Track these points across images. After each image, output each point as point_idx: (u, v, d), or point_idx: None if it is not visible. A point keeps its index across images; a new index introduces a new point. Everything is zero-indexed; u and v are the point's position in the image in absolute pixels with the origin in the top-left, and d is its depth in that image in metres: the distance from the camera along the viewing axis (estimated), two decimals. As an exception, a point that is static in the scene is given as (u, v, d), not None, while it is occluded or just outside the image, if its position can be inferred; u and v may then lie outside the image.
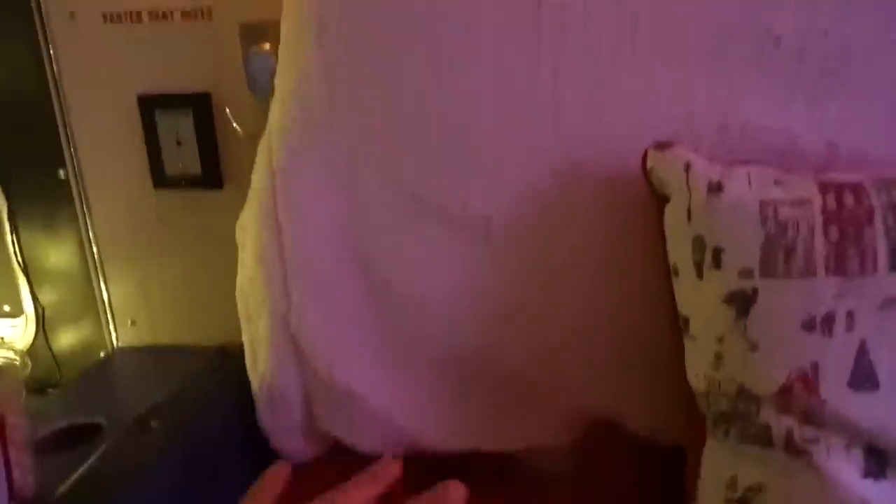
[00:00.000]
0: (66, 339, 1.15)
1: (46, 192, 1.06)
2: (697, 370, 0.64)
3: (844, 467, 0.57)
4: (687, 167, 0.65)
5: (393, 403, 0.81)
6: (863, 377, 0.57)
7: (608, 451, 0.79)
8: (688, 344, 0.66)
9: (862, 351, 0.57)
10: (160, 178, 1.01)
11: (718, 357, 0.62)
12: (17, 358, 1.14)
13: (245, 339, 0.84)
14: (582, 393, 0.79)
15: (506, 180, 0.74)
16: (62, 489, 0.70)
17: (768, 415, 0.60)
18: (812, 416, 0.58)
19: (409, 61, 0.73)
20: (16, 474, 0.65)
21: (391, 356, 0.81)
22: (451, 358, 0.80)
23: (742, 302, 0.60)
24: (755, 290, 0.60)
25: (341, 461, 0.83)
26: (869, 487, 0.56)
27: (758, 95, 0.69)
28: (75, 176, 1.05)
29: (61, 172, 1.04)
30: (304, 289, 0.79)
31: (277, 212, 0.77)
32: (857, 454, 0.57)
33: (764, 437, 0.60)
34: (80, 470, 0.73)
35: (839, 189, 0.60)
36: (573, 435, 0.80)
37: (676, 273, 0.66)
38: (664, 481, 0.74)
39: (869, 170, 0.64)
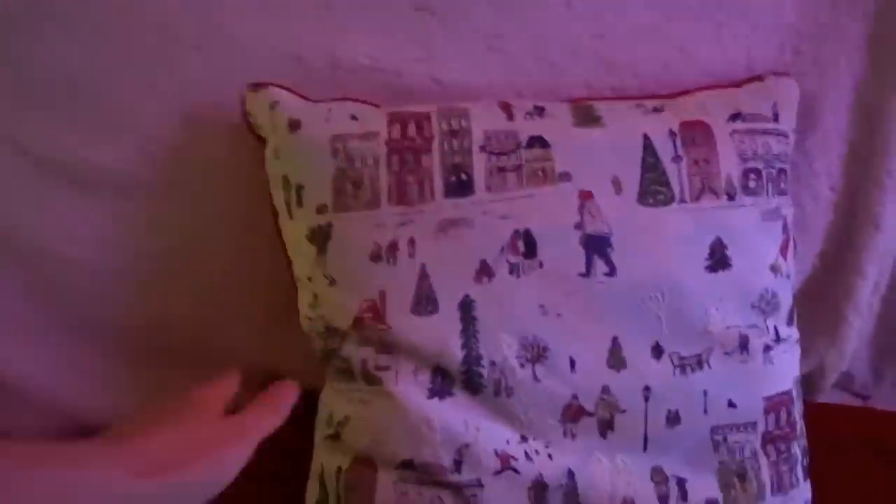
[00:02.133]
0: None
1: None
2: (303, 312, 0.64)
3: (412, 390, 0.58)
4: (272, 106, 0.63)
5: (55, 382, 0.77)
6: (424, 301, 0.58)
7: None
8: (298, 287, 0.65)
9: (423, 275, 0.58)
10: None
11: (315, 297, 0.62)
12: None
13: None
14: (246, 350, 0.78)
15: (129, 132, 0.71)
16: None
17: (349, 349, 0.60)
18: (383, 344, 0.59)
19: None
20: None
21: (48, 332, 0.77)
22: (114, 325, 0.77)
23: (321, 238, 0.60)
24: (330, 225, 0.60)
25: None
26: (434, 407, 0.58)
27: (363, 32, 0.69)
28: None
29: None
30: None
31: None
32: (424, 377, 0.58)
33: (347, 371, 0.60)
34: None
35: (405, 120, 0.61)
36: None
37: (277, 216, 0.65)
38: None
39: (475, 101, 0.65)
